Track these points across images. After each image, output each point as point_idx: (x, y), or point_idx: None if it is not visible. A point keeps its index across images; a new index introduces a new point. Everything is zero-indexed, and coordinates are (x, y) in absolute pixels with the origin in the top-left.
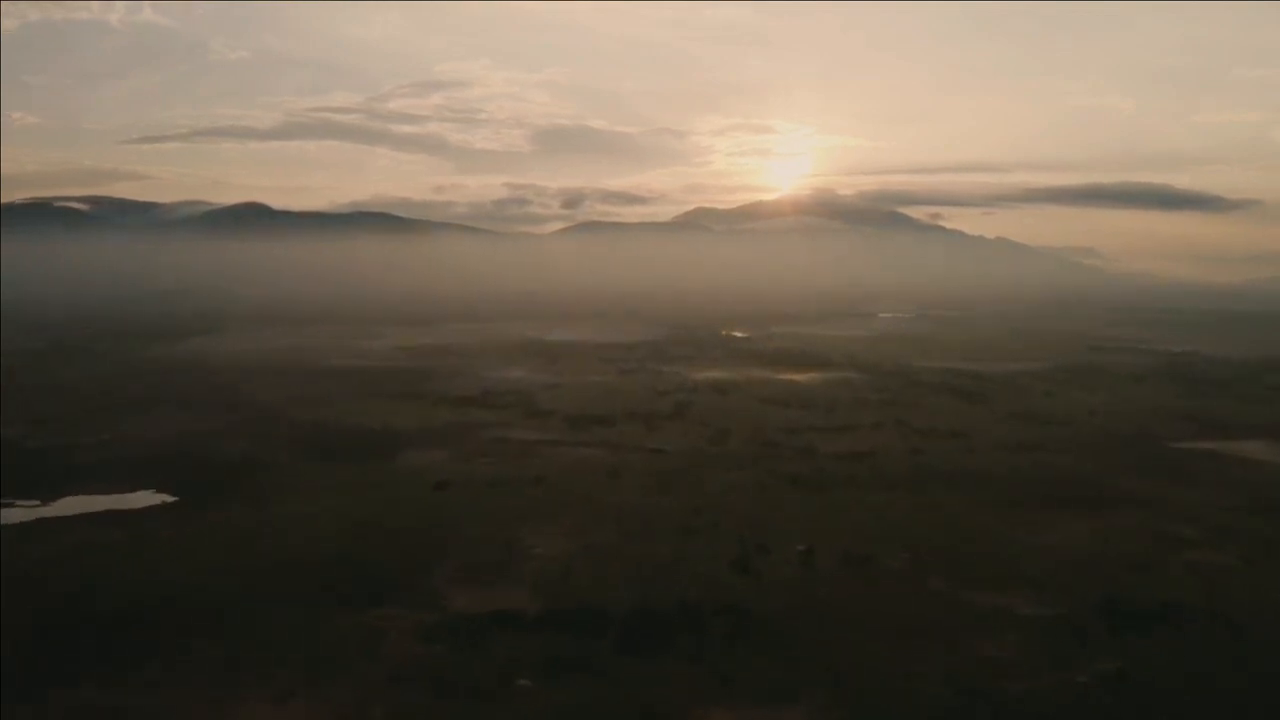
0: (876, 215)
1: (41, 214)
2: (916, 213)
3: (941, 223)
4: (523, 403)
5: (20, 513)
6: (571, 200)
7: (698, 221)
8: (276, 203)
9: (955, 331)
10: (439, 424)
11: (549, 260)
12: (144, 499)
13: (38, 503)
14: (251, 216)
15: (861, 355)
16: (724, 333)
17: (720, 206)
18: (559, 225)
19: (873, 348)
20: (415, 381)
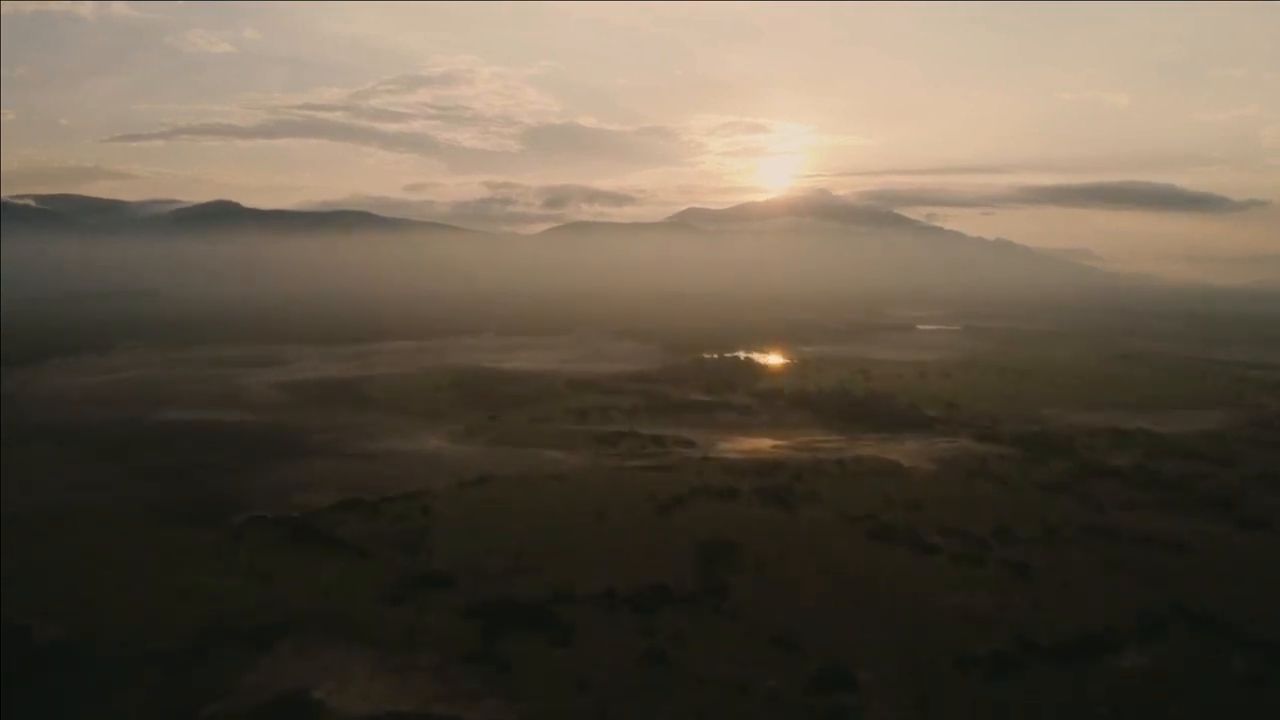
0: (873, 216)
1: None
2: (914, 213)
3: (939, 223)
4: (405, 537)
5: None
6: (556, 199)
7: (689, 222)
8: (257, 202)
9: (1032, 353)
10: (174, 635)
11: (532, 261)
12: None
13: None
14: (220, 215)
15: (959, 400)
16: (743, 356)
17: (712, 206)
18: (546, 225)
19: (959, 384)
20: (254, 467)
